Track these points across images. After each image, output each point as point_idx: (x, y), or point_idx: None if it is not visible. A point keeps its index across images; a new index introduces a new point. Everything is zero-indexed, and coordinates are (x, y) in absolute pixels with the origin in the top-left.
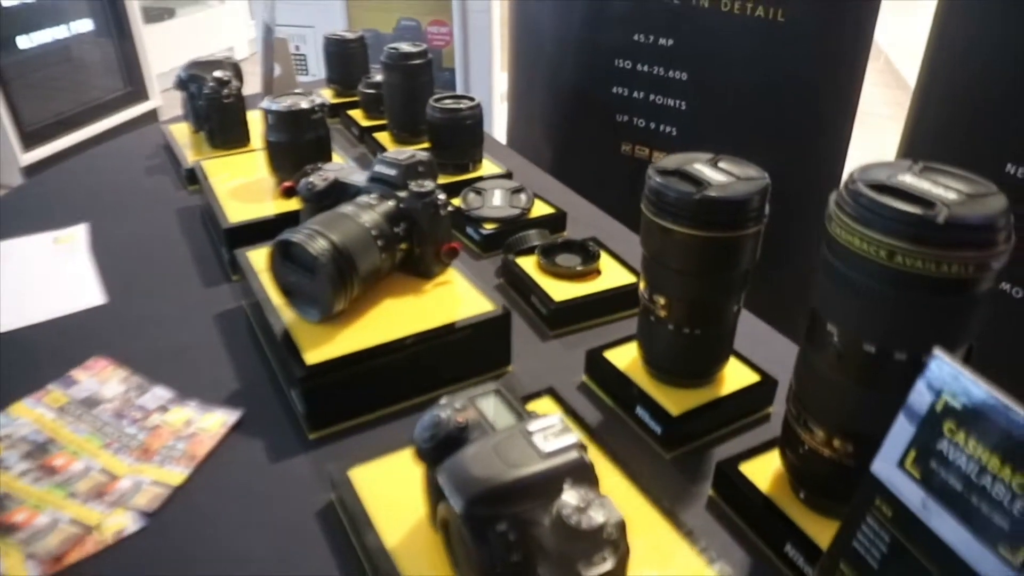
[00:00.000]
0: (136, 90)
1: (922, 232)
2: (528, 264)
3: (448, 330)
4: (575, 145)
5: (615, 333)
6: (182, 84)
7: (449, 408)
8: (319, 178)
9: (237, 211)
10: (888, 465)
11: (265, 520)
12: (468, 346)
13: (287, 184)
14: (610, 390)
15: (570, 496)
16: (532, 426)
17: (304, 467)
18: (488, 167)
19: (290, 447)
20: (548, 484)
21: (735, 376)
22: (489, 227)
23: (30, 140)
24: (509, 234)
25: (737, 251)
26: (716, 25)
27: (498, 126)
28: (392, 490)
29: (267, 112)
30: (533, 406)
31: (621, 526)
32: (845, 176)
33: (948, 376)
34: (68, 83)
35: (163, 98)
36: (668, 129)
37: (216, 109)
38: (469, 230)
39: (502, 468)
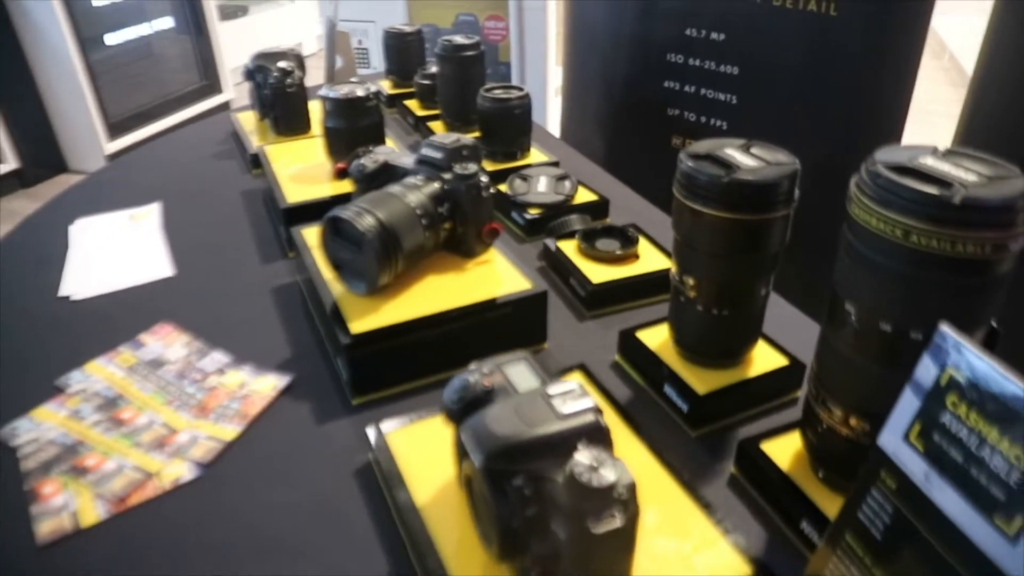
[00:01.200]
0: (211, 83)
1: (938, 212)
2: (569, 248)
3: (486, 306)
4: (626, 138)
5: (650, 315)
6: (249, 74)
7: (478, 373)
8: (370, 160)
9: (295, 192)
10: (894, 438)
11: (308, 476)
12: (505, 322)
13: (340, 166)
14: (641, 369)
15: (583, 456)
16: (552, 389)
17: (346, 429)
18: (536, 155)
19: (335, 411)
20: (563, 443)
21: (764, 359)
22: (533, 212)
23: (114, 130)
24: (553, 219)
25: (765, 234)
26: (768, 19)
27: (552, 119)
28: (425, 451)
29: (325, 99)
30: (568, 379)
31: (632, 487)
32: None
33: (953, 350)
34: (149, 77)
35: (236, 91)
36: (719, 123)
37: (280, 97)
38: (514, 214)
39: (520, 426)
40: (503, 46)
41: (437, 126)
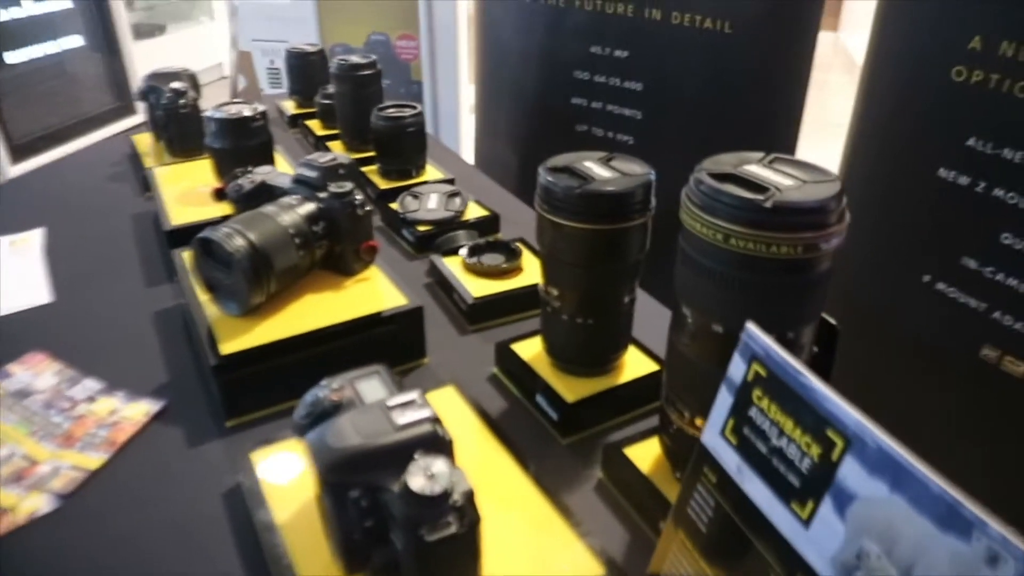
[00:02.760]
0: (125, 104)
1: (752, 215)
2: (455, 263)
3: (362, 323)
4: (537, 154)
5: (532, 327)
6: (143, 95)
7: (327, 388)
8: (247, 181)
9: (180, 214)
10: (713, 434)
11: (173, 501)
12: (383, 339)
13: (217, 187)
14: (516, 380)
15: (418, 466)
16: (391, 401)
17: (218, 452)
18: (432, 173)
19: (207, 434)
20: (398, 454)
21: (634, 365)
22: (422, 229)
23: (18, 152)
24: (441, 235)
25: (622, 243)
26: (669, 37)
27: (466, 137)
28: (290, 471)
29: (210, 120)
30: (436, 396)
31: (468, 495)
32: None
33: (758, 347)
34: (61, 97)
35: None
36: (625, 138)
37: (173, 118)
38: (405, 232)
39: (356, 438)
40: (415, 65)
41: (336, 145)
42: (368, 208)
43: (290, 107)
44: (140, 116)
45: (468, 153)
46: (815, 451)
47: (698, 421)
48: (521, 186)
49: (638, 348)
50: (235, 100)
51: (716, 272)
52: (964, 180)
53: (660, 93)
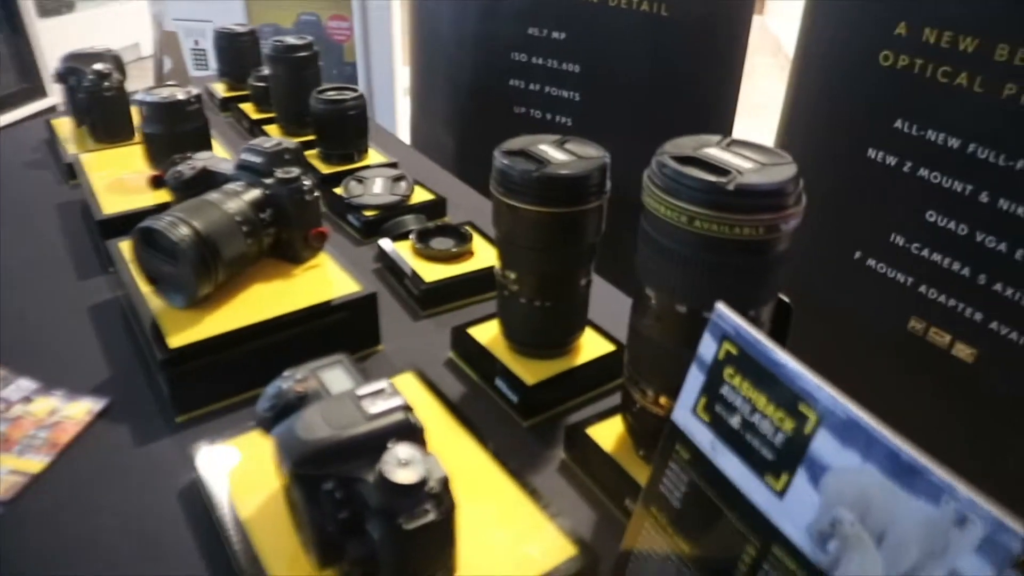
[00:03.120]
0: (33, 86)
1: (716, 198)
2: (404, 248)
3: (314, 311)
4: (475, 136)
5: (485, 311)
6: (61, 77)
7: (291, 379)
8: (187, 167)
9: (112, 203)
10: (685, 412)
11: (125, 502)
12: (336, 327)
13: (155, 174)
14: (474, 364)
15: (392, 455)
16: (361, 391)
17: (170, 449)
18: (374, 157)
19: (157, 431)
20: (372, 444)
21: (592, 346)
22: (369, 214)
23: None
24: (388, 220)
25: (579, 226)
26: (606, 19)
27: (402, 120)
28: (251, 465)
29: (142, 104)
30: (396, 381)
31: (444, 481)
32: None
33: (728, 326)
34: None
35: (63, 94)
36: (564, 120)
37: (97, 102)
38: (350, 217)
39: (328, 430)
40: (348, 46)
41: (273, 130)
42: (316, 194)
43: (221, 90)
44: (53, 99)
45: (404, 135)
46: (788, 425)
47: (662, 400)
48: (460, 168)
49: (594, 329)
50: (166, 83)
51: (680, 254)
52: (892, 160)
53: (598, 75)
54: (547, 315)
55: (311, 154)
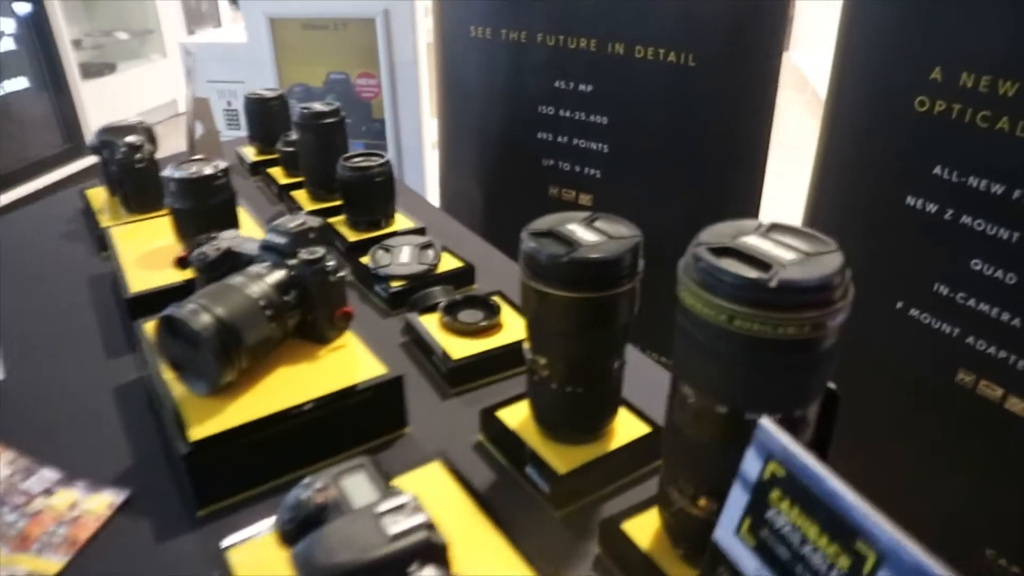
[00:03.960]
0: (76, 146)
1: (757, 295)
2: (431, 322)
3: (338, 396)
4: (504, 189)
5: (516, 388)
6: (95, 150)
7: (311, 488)
8: (212, 248)
9: (140, 280)
10: (727, 533)
11: None
12: (362, 410)
13: (180, 256)
14: (504, 449)
15: None
16: (383, 506)
17: (191, 546)
18: (401, 222)
19: (178, 526)
20: (394, 567)
21: (626, 428)
22: (396, 284)
23: None
24: (416, 291)
25: (611, 309)
26: (632, 71)
27: (431, 172)
28: (269, 564)
29: (168, 180)
30: (422, 474)
31: None
32: (695, 239)
33: (774, 444)
34: (7, 140)
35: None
36: (592, 171)
37: (129, 174)
38: (377, 288)
39: (347, 553)
40: (376, 103)
41: (301, 195)
42: (341, 274)
43: (251, 154)
44: (94, 158)
45: (433, 189)
46: (844, 563)
47: (701, 502)
48: (489, 224)
49: (629, 409)
50: (194, 157)
51: (720, 353)
52: (932, 208)
53: (626, 126)
54: (579, 401)
55: (338, 220)
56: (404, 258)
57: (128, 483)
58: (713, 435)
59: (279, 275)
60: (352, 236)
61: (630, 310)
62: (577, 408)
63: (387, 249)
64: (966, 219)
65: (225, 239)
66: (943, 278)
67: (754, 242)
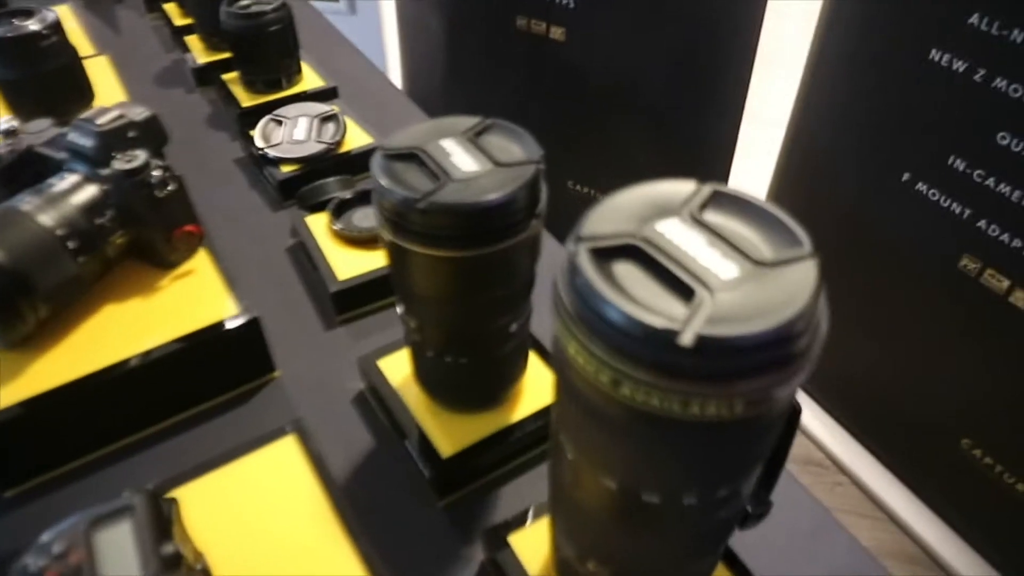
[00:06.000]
0: None
1: (660, 356)
2: (319, 226)
3: (174, 347)
4: (467, 18)
5: None
6: None
7: (45, 553)
8: (8, 147)
9: None
10: None
11: None
12: (208, 361)
13: None
14: (385, 408)
15: None
16: None
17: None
18: (310, 80)
19: None
20: None
21: (537, 389)
22: (286, 169)
23: None
24: (312, 178)
25: (497, 270)
26: None
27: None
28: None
29: None
30: (270, 452)
31: None
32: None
33: None
34: None
35: None
36: (565, 0)
37: None
38: (266, 171)
39: None
40: None
41: (195, 42)
42: (172, 187)
43: None
44: None
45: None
46: None
47: (590, 565)
48: (449, 61)
49: (543, 359)
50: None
51: (607, 420)
52: (960, 65)
53: None
54: (462, 372)
55: (232, 77)
56: (299, 133)
57: None
58: (599, 508)
59: (89, 192)
60: (247, 100)
61: (529, 264)
62: (460, 380)
63: (279, 121)
64: (1000, 83)
65: (30, 133)
66: (961, 151)
67: (676, 234)
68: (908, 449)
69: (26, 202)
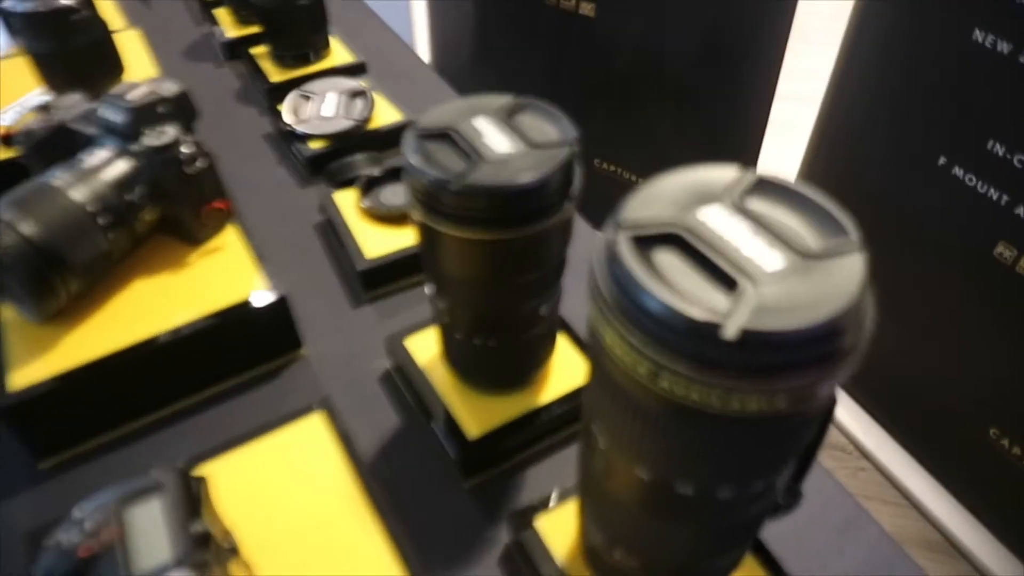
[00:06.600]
0: None
1: (701, 349)
2: (348, 203)
3: (203, 324)
4: None
5: None
6: None
7: (77, 529)
8: (41, 123)
9: None
10: None
11: None
12: (236, 337)
13: (4, 132)
14: (411, 388)
15: None
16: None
17: (34, 503)
18: (338, 55)
19: (17, 479)
20: None
21: (565, 371)
22: (315, 146)
23: None
24: (341, 155)
25: (529, 253)
26: None
27: None
28: None
29: (8, 15)
30: (297, 429)
31: None
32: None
33: None
34: None
35: None
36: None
37: None
38: (294, 148)
39: None
40: None
41: (223, 15)
42: (201, 164)
43: None
44: None
45: None
46: None
47: (616, 554)
48: (478, 35)
49: (571, 340)
50: None
51: (642, 412)
52: (1006, 47)
53: None
54: (491, 355)
55: (261, 52)
56: (327, 110)
57: None
58: (630, 498)
59: (119, 168)
60: (275, 75)
61: (561, 247)
62: (489, 362)
63: (308, 96)
64: None
65: (63, 109)
66: (1001, 135)
67: (719, 222)
68: (933, 437)
69: (57, 177)
